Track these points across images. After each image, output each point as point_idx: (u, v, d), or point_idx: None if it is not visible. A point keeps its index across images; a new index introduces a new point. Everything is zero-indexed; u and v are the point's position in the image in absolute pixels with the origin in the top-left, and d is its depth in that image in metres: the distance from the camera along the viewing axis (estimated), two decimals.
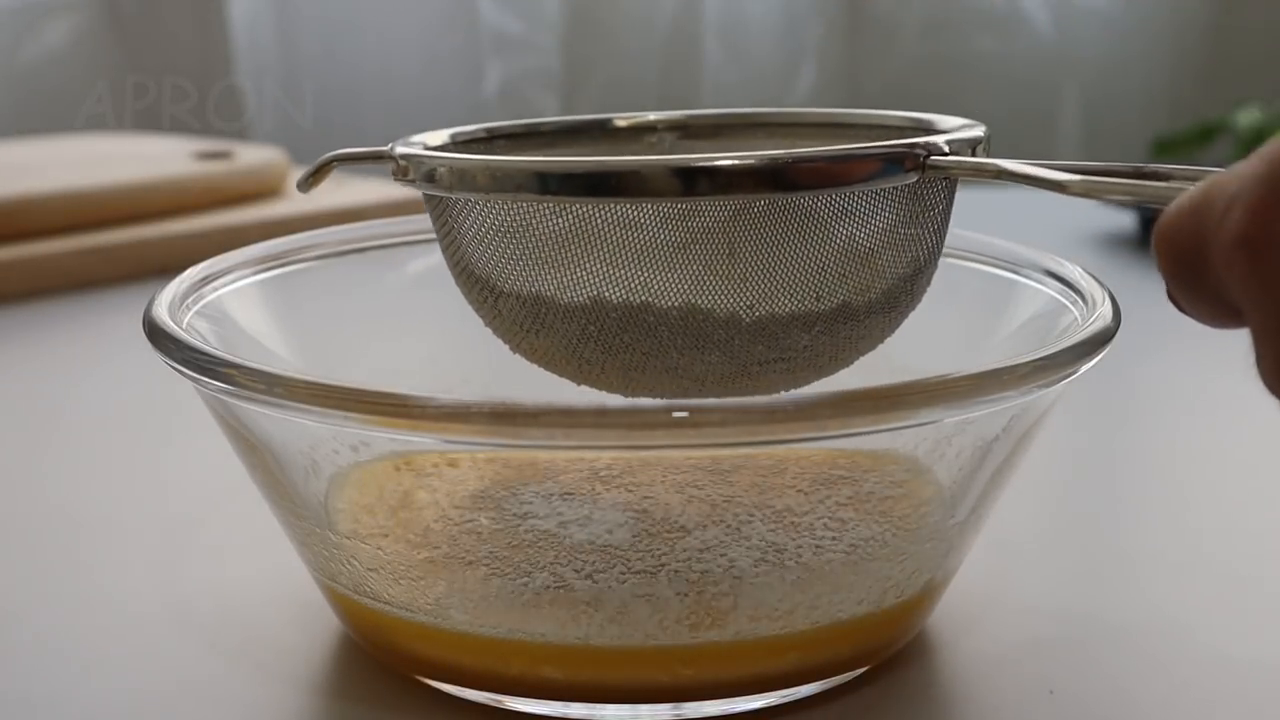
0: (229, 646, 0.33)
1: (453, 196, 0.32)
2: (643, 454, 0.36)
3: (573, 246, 0.30)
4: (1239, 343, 0.23)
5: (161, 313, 0.32)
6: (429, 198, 0.33)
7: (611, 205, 0.30)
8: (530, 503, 0.34)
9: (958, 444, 0.31)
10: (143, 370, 0.37)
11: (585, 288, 0.31)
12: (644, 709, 0.30)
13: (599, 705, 0.30)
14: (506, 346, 0.33)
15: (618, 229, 0.30)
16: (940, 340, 0.37)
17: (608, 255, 0.30)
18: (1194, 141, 1.16)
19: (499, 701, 0.30)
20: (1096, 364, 0.30)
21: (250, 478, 0.32)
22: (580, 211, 0.30)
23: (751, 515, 0.33)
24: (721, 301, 0.30)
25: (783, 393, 0.33)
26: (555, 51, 1.15)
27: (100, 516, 0.41)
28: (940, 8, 1.20)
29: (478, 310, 0.33)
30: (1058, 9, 1.19)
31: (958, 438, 0.31)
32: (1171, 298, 0.24)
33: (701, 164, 0.29)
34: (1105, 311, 0.31)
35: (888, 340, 0.33)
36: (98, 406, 0.52)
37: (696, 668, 0.30)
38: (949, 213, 0.33)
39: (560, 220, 0.30)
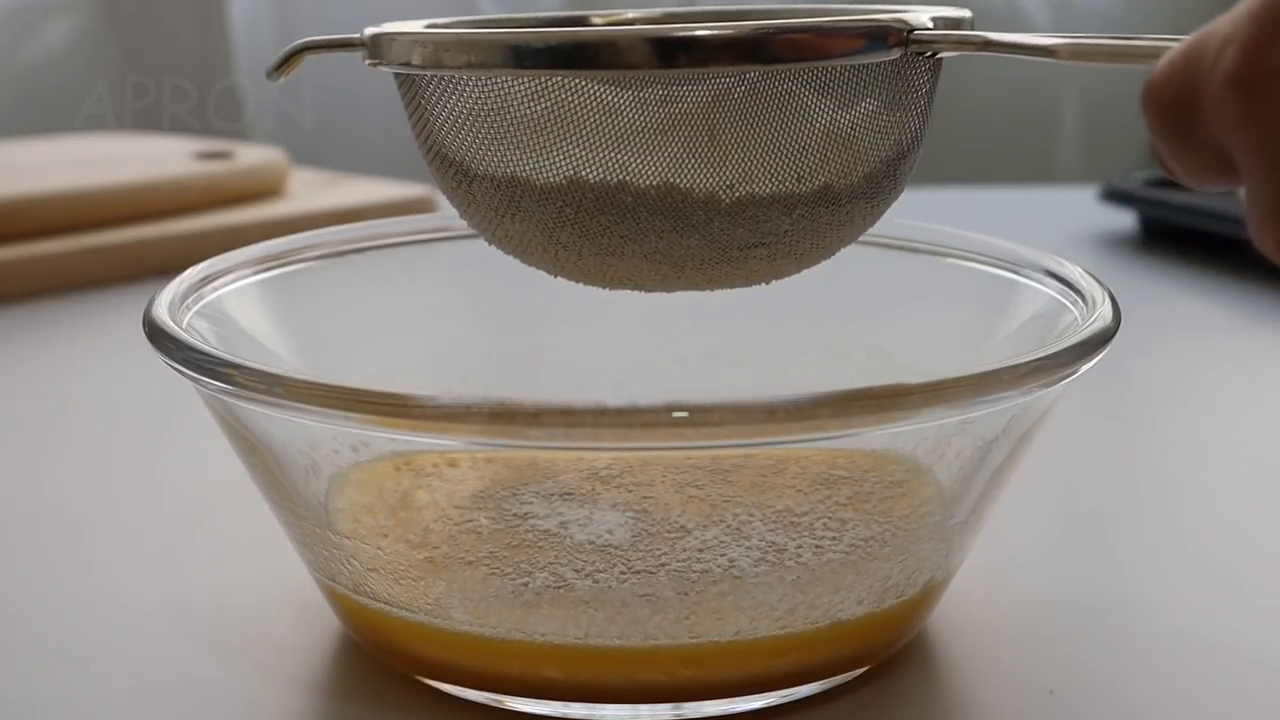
0: (229, 646, 0.33)
1: (426, 75, 0.31)
2: (643, 454, 0.36)
3: (549, 129, 0.30)
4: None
5: (161, 313, 0.32)
6: (401, 81, 0.32)
7: (589, 88, 0.29)
8: (530, 503, 0.34)
9: (958, 444, 0.31)
10: (143, 370, 0.37)
11: (562, 169, 0.30)
12: (644, 709, 0.30)
13: (599, 705, 0.30)
14: (483, 238, 0.33)
15: (596, 113, 0.29)
16: (940, 340, 0.37)
17: (585, 138, 0.30)
18: None
19: (499, 701, 0.30)
20: (1096, 364, 0.30)
21: (250, 478, 0.32)
22: (557, 95, 0.29)
23: (751, 515, 0.33)
24: (701, 181, 0.30)
25: (763, 283, 0.32)
26: None
27: (100, 516, 0.41)
28: None
29: (451, 198, 0.33)
30: (1058, 9, 1.19)
31: (958, 438, 0.31)
32: (1160, 161, 0.23)
33: (680, 34, 0.28)
34: (1105, 311, 0.31)
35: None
36: (98, 406, 0.52)
37: (696, 668, 0.30)
38: (933, 96, 0.32)
39: (537, 104, 0.30)
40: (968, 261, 0.38)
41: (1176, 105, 0.22)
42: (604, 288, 0.32)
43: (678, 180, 0.30)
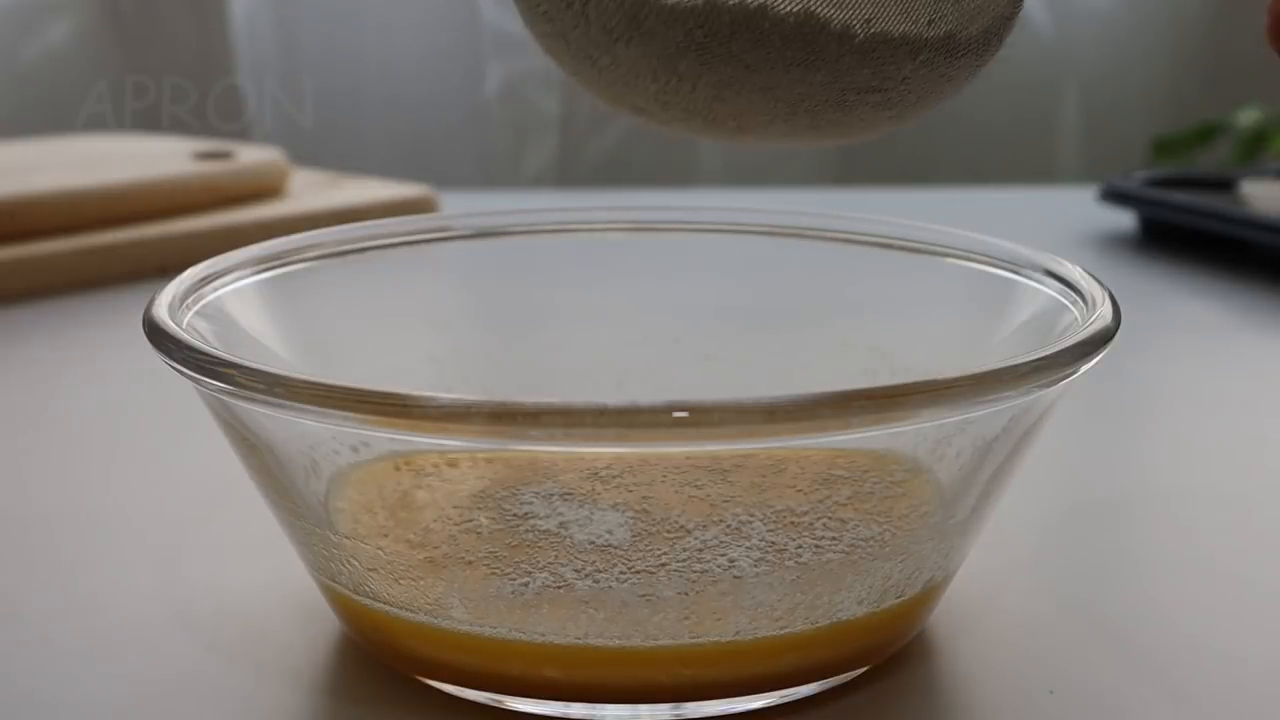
0: (229, 646, 0.33)
1: None
2: (642, 454, 0.36)
3: None
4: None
5: (161, 313, 0.32)
6: None
7: None
8: (530, 503, 0.34)
9: (958, 444, 0.31)
10: (143, 370, 0.37)
11: None
12: (644, 709, 0.30)
13: (599, 705, 0.30)
14: (573, 78, 0.31)
15: None
16: (940, 340, 0.37)
17: None
18: (1194, 141, 1.16)
19: (499, 701, 0.30)
20: (1096, 364, 0.30)
21: (250, 478, 0.32)
22: None
23: (751, 515, 0.33)
24: (839, 12, 0.29)
25: (862, 138, 0.32)
26: None
27: (100, 516, 0.41)
28: None
29: (548, 23, 0.31)
30: (1058, 9, 1.19)
31: (958, 438, 0.31)
32: None
33: None
34: (1105, 311, 0.31)
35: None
36: (98, 406, 0.52)
37: (696, 668, 0.30)
38: None
39: None
40: (968, 261, 0.38)
41: None
42: (698, 133, 0.31)
43: (817, 9, 0.29)
